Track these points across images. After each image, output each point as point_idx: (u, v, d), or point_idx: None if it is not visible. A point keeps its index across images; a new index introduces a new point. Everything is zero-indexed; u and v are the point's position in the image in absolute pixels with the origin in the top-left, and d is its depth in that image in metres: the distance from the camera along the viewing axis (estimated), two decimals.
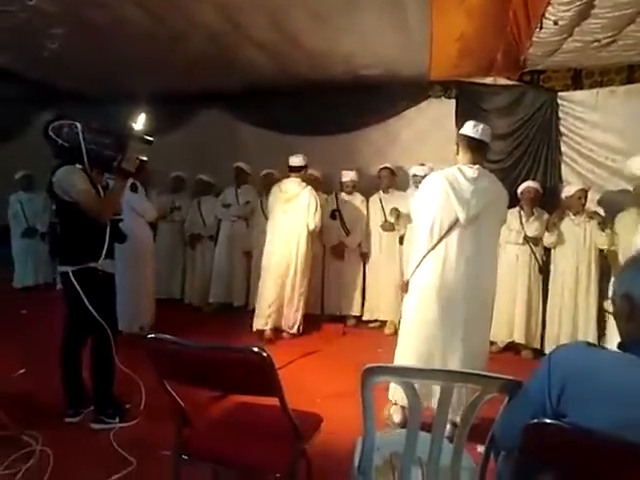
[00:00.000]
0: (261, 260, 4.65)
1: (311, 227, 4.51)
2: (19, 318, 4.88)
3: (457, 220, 2.57)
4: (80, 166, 2.58)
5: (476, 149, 2.66)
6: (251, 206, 5.31)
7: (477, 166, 2.64)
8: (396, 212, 4.67)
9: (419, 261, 2.66)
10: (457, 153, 2.72)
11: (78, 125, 2.53)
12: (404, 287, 2.78)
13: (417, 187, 4.36)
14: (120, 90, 5.59)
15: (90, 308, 2.59)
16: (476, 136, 2.64)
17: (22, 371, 3.28)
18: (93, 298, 2.61)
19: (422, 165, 4.64)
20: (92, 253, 2.65)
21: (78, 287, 2.58)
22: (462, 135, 2.70)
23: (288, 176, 4.62)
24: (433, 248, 2.61)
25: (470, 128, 2.67)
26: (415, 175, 4.59)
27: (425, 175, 4.37)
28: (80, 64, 4.95)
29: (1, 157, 6.66)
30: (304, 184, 4.55)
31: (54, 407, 2.78)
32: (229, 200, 5.38)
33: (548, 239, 4.22)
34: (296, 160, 4.55)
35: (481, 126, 2.66)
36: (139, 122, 2.68)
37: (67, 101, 6.00)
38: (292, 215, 4.49)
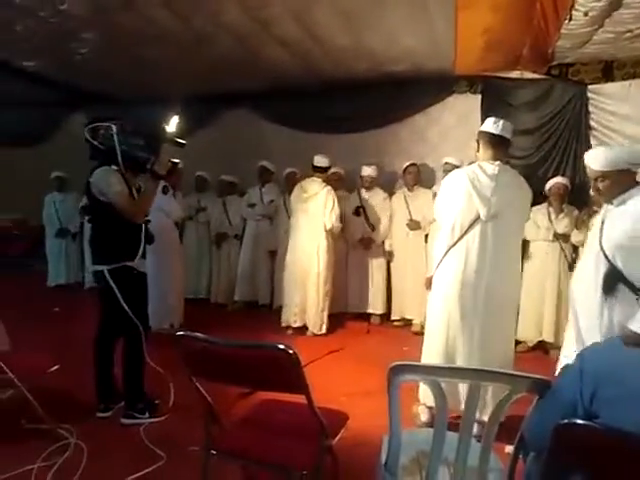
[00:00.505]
0: (285, 259, 4.70)
1: (328, 226, 4.52)
2: (52, 315, 5.04)
3: (478, 217, 2.56)
4: (116, 167, 2.65)
5: (497, 145, 2.62)
6: (275, 205, 5.35)
7: (498, 162, 2.60)
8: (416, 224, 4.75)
9: (441, 258, 2.66)
10: (477, 150, 2.70)
11: (113, 127, 2.58)
12: (428, 284, 2.78)
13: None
14: (148, 92, 5.70)
15: (124, 306, 2.65)
16: (496, 132, 2.60)
17: (56, 367, 3.37)
18: (127, 296, 2.67)
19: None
20: (127, 252, 2.72)
21: (114, 285, 2.64)
22: (482, 132, 2.67)
23: (311, 175, 4.64)
24: (455, 245, 2.61)
25: (490, 124, 2.64)
26: (447, 163, 4.55)
27: (456, 165, 4.42)
28: (109, 67, 5.06)
29: (36, 159, 6.88)
30: (324, 184, 4.57)
31: (86, 402, 2.86)
32: (253, 199, 5.43)
33: (576, 237, 4.11)
34: (322, 160, 4.58)
35: (501, 122, 2.62)
36: (172, 125, 2.72)
37: (97, 103, 6.16)
38: (312, 214, 4.53)
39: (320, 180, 4.57)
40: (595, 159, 2.23)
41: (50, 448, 2.40)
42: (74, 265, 6.40)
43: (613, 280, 2.13)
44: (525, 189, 2.72)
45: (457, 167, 4.42)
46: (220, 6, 3.61)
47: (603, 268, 2.16)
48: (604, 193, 2.24)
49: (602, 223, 2.25)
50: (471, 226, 2.57)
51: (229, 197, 5.64)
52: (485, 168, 2.60)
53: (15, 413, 2.58)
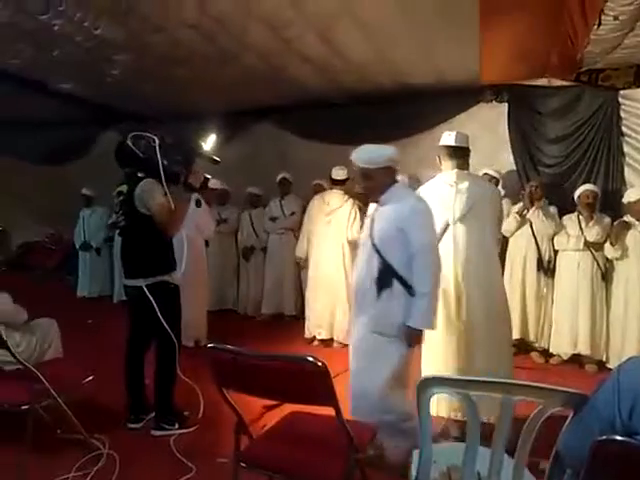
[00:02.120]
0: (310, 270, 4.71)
1: (349, 238, 4.52)
2: (85, 327, 5.16)
3: (448, 224, 2.70)
4: (155, 179, 2.68)
5: (454, 155, 2.80)
6: (297, 217, 5.37)
7: (455, 170, 2.77)
8: None
9: None
10: (440, 163, 2.86)
11: (156, 139, 2.64)
12: None
13: None
14: (176, 109, 5.87)
15: (162, 320, 2.69)
16: (452, 144, 2.78)
17: (90, 378, 3.45)
18: (164, 310, 2.71)
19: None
20: (164, 266, 2.78)
21: (153, 301, 2.67)
22: (440, 146, 2.85)
23: (332, 188, 4.66)
24: None
25: (445, 138, 2.83)
26: (485, 174, 4.51)
27: (494, 176, 4.50)
28: (139, 86, 5.22)
29: (70, 175, 7.14)
30: (346, 196, 4.58)
31: (118, 413, 2.91)
32: (275, 213, 5.48)
33: (612, 252, 3.97)
34: (339, 173, 4.60)
35: (454, 133, 2.82)
36: (208, 142, 2.81)
37: (127, 122, 6.36)
38: (335, 226, 4.54)
39: (342, 192, 4.59)
40: (358, 156, 2.39)
41: (84, 458, 2.45)
42: (101, 278, 6.58)
43: (387, 275, 2.28)
44: (490, 191, 2.93)
45: (496, 179, 4.47)
46: (245, 26, 3.69)
47: (376, 262, 2.30)
48: (372, 192, 2.42)
49: (372, 221, 2.42)
50: (443, 232, 2.69)
51: (254, 210, 5.70)
52: (444, 177, 2.80)
53: (51, 423, 2.64)
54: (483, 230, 2.74)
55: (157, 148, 2.62)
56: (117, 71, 4.41)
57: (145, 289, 2.68)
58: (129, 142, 2.67)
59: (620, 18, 3.14)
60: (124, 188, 2.79)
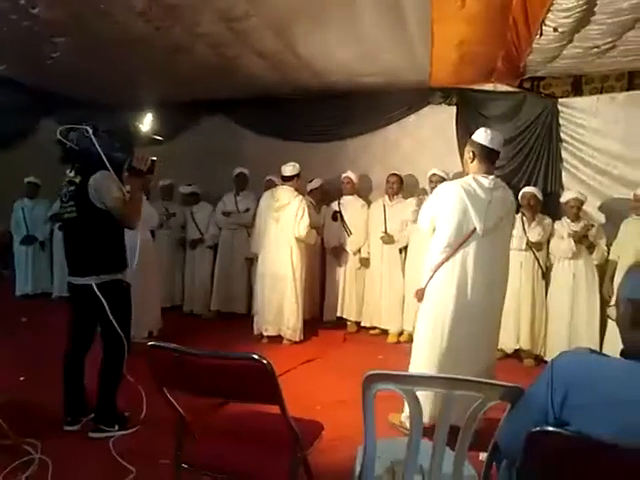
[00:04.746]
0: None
1: (296, 234, 4.50)
2: (19, 326, 4.87)
3: (474, 230, 2.56)
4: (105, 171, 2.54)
5: (489, 157, 2.65)
6: (251, 213, 5.30)
7: (492, 176, 2.63)
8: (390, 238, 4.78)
9: (434, 270, 2.65)
10: (472, 161, 2.67)
11: (89, 129, 2.51)
12: (420, 296, 2.75)
13: (434, 189, 4.42)
14: (123, 97, 5.61)
15: (112, 320, 2.57)
16: (487, 144, 2.62)
17: (22, 379, 3.27)
18: (115, 310, 2.60)
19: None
20: (117, 264, 2.66)
21: (103, 300, 2.55)
22: (477, 143, 2.65)
23: (282, 184, 4.65)
24: (448, 258, 2.60)
25: (482, 135, 2.64)
26: (434, 174, 4.55)
27: (442, 177, 4.45)
28: (81, 72, 4.97)
29: (5, 164, 6.68)
30: (296, 193, 4.56)
31: (53, 415, 2.76)
32: (229, 207, 5.39)
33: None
34: (288, 169, 4.57)
35: (492, 132, 2.66)
36: (146, 123, 2.69)
37: (68, 108, 6.04)
38: (284, 223, 4.51)
39: (292, 189, 4.56)
40: None
41: (13, 464, 2.30)
42: (42, 274, 6.18)
43: None
44: (513, 202, 2.77)
45: (444, 179, 4.47)
46: (196, 17, 3.58)
47: None
48: None
49: None
50: (467, 239, 2.57)
51: (195, 206, 5.60)
52: (481, 182, 2.60)
53: None
54: (504, 240, 2.71)
55: (92, 138, 2.49)
56: (58, 54, 4.16)
57: (95, 288, 2.55)
58: (59, 137, 2.54)
59: (560, 30, 3.30)
60: (77, 178, 2.60)
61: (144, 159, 2.63)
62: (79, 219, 2.62)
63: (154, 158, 2.69)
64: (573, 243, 4.08)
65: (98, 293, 2.55)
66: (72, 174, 2.63)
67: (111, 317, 2.57)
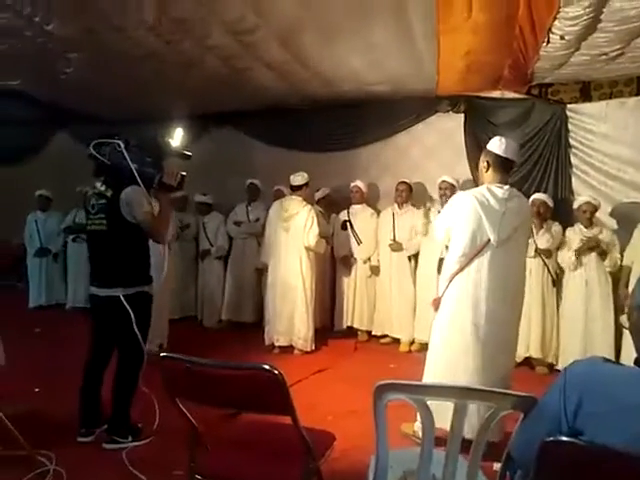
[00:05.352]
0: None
1: (306, 244, 4.51)
2: (33, 337, 4.93)
3: (488, 241, 2.55)
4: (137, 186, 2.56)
5: (504, 168, 2.63)
6: (261, 222, 5.34)
7: (507, 187, 2.61)
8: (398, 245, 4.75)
9: (450, 280, 2.65)
10: (486, 170, 2.67)
11: (121, 144, 2.53)
12: (436, 305, 2.74)
13: (443, 196, 4.45)
14: (134, 111, 5.71)
15: (137, 332, 2.59)
16: (502, 154, 2.60)
17: (36, 390, 3.30)
18: (139, 321, 2.61)
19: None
20: (144, 276, 2.69)
21: (130, 311, 2.57)
22: (491, 153, 2.63)
23: (291, 194, 4.68)
24: (463, 268, 2.60)
25: (496, 144, 2.63)
26: (443, 181, 4.55)
27: (452, 184, 4.47)
28: (95, 87, 5.05)
29: (20, 177, 6.81)
30: (304, 203, 4.58)
31: (67, 426, 2.78)
32: (240, 217, 5.43)
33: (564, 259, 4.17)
34: (297, 179, 4.59)
35: (507, 141, 2.64)
36: (176, 138, 2.70)
37: (82, 122, 6.14)
38: (293, 233, 4.52)
39: (301, 199, 4.59)
40: None
41: (28, 475, 2.32)
42: (55, 286, 6.26)
43: None
44: (529, 212, 2.76)
45: (453, 185, 4.52)
46: (207, 30, 3.64)
47: None
48: None
49: None
50: (481, 250, 2.56)
51: (207, 216, 5.63)
52: (495, 192, 2.58)
53: None
54: (520, 249, 2.68)
55: (124, 153, 2.51)
56: (71, 69, 4.25)
57: (123, 299, 2.57)
58: (92, 151, 2.56)
59: (566, 37, 3.31)
60: (108, 192, 2.62)
61: (174, 174, 2.64)
62: (109, 232, 2.64)
63: (184, 173, 2.70)
64: (574, 258, 4.09)
65: (126, 304, 2.57)
66: (103, 188, 2.65)
67: (136, 329, 2.59)
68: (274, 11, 3.33)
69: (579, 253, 4.06)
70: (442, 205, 4.48)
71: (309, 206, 4.60)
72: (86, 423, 2.76)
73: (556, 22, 3.11)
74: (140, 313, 2.63)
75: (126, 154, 2.51)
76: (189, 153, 2.71)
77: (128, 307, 2.57)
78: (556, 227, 4.28)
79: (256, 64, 4.34)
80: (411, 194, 4.97)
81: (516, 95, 4.86)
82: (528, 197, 4.37)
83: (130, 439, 2.72)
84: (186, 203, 5.75)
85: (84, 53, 4.06)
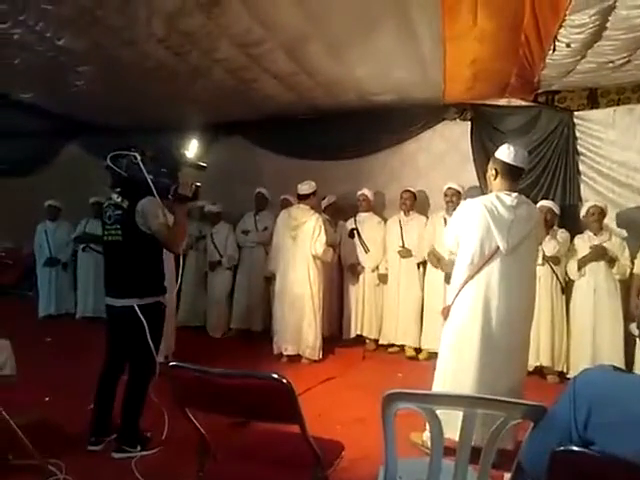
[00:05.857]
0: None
1: (313, 252, 4.51)
2: (43, 346, 4.96)
3: (498, 248, 2.54)
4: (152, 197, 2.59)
5: (512, 174, 2.63)
6: (269, 231, 5.35)
7: (516, 194, 2.60)
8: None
9: (459, 288, 2.64)
10: (495, 178, 2.67)
11: (137, 156, 2.55)
12: (446, 313, 2.73)
13: (449, 202, 4.45)
14: (143, 121, 5.78)
15: (150, 342, 2.60)
16: (511, 162, 2.60)
17: (47, 399, 3.32)
18: (152, 331, 2.62)
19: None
20: (158, 287, 2.71)
21: (144, 321, 2.58)
22: (499, 160, 2.64)
23: (298, 203, 4.69)
24: (472, 277, 2.59)
25: (505, 152, 2.63)
26: (449, 188, 4.55)
27: (458, 190, 4.48)
28: (104, 98, 5.13)
29: (31, 188, 6.90)
30: (312, 211, 4.60)
31: (77, 435, 2.80)
32: (248, 226, 5.46)
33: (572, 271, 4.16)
34: (304, 188, 4.61)
35: (516, 148, 2.64)
36: (191, 149, 2.73)
37: (92, 133, 6.22)
38: (301, 241, 4.53)
39: (308, 207, 4.60)
40: None
41: None
42: (65, 295, 6.30)
43: None
44: (538, 219, 2.74)
45: (459, 192, 4.54)
46: (214, 43, 3.69)
47: None
48: None
49: None
50: (491, 257, 2.55)
51: (215, 227, 5.63)
52: (503, 200, 2.57)
53: (2, 448, 2.51)
54: (530, 257, 2.67)
55: (141, 165, 2.53)
56: (82, 82, 4.32)
57: (137, 309, 2.59)
58: (109, 163, 2.59)
59: (572, 45, 3.31)
60: (124, 203, 2.65)
61: (189, 185, 2.66)
62: (124, 242, 2.66)
63: (198, 184, 2.71)
64: (576, 269, 4.08)
65: (140, 314, 2.58)
66: (119, 199, 2.67)
67: (149, 339, 2.59)
68: (280, 23, 3.38)
69: (583, 263, 4.04)
70: (448, 212, 4.49)
71: (317, 215, 4.61)
72: (97, 432, 2.77)
73: (562, 30, 3.12)
74: (153, 323, 2.64)
75: (142, 166, 2.54)
76: (204, 164, 2.73)
77: (142, 317, 2.58)
78: (562, 234, 4.25)
79: (263, 75, 4.38)
80: (415, 202, 4.99)
81: (523, 103, 4.86)
82: (535, 204, 4.38)
83: (139, 448, 2.72)
84: (203, 213, 5.77)
85: (94, 66, 4.14)
